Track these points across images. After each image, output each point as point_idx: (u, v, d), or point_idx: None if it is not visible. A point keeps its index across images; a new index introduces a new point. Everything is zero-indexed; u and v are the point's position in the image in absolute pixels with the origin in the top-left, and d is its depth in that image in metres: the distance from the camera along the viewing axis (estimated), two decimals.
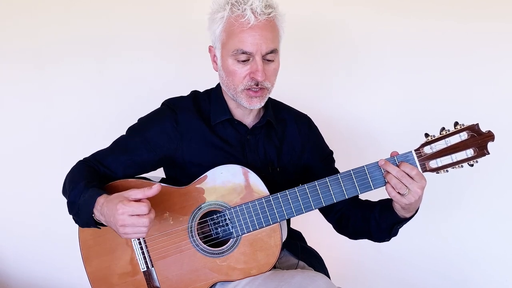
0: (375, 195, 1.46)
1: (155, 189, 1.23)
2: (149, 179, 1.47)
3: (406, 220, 1.41)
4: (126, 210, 1.20)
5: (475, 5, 2.17)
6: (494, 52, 2.20)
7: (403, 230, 1.47)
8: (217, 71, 1.46)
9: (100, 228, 1.34)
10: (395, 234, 1.46)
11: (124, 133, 1.50)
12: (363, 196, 1.44)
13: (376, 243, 1.54)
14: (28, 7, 2.14)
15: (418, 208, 1.39)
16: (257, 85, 1.37)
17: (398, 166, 1.30)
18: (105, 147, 1.50)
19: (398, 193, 1.30)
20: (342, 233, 1.59)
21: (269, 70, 1.38)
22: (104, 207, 1.25)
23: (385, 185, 1.33)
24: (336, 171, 1.57)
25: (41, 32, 2.16)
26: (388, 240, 1.49)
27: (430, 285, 2.37)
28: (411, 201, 1.30)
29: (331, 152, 1.63)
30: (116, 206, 1.20)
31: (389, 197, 1.35)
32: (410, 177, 1.29)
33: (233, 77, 1.39)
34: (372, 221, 1.45)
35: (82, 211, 1.31)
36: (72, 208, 1.34)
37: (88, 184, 1.33)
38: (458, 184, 2.25)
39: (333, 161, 1.63)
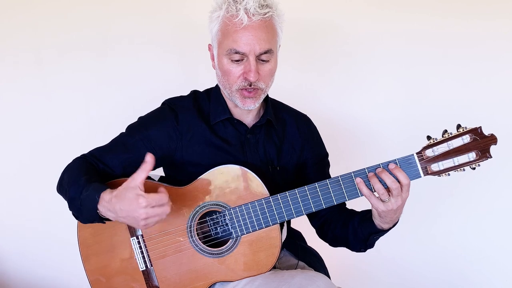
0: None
1: (150, 160, 1.22)
2: (148, 177, 1.46)
3: (383, 231, 1.41)
4: (149, 203, 1.19)
5: (481, 6, 2.15)
6: (500, 54, 2.18)
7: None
8: (215, 69, 1.46)
9: (105, 222, 1.32)
10: (371, 245, 1.46)
11: (124, 131, 1.49)
12: (362, 200, 1.43)
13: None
14: (29, 4, 2.13)
15: (397, 222, 1.39)
16: (250, 85, 1.36)
17: (392, 170, 1.28)
18: (104, 144, 1.49)
19: (379, 198, 1.30)
20: (324, 239, 1.60)
21: (264, 70, 1.37)
22: (114, 203, 1.22)
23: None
24: (327, 176, 1.57)
25: (40, 32, 2.15)
26: (363, 251, 1.50)
27: (430, 285, 2.37)
28: (388, 208, 1.30)
29: (327, 155, 1.63)
30: (135, 202, 1.19)
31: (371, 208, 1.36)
32: (401, 186, 1.28)
33: (228, 77, 1.38)
34: (350, 229, 1.46)
35: (84, 208, 1.29)
36: (73, 204, 1.32)
37: (89, 179, 1.31)
38: (458, 186, 2.25)
39: (327, 164, 1.62)
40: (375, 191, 1.30)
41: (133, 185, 1.21)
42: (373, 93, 2.26)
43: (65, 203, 1.37)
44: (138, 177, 1.21)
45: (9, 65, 2.16)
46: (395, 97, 2.25)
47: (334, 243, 1.57)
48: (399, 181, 1.28)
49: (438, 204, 2.32)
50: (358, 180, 1.30)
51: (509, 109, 2.20)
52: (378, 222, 1.38)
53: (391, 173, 1.28)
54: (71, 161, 1.46)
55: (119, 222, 1.26)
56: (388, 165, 1.29)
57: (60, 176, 1.43)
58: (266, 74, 1.38)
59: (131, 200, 1.20)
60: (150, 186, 1.41)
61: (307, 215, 1.55)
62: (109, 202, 1.24)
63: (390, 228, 1.40)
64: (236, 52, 1.34)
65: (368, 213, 1.43)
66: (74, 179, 1.34)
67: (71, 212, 1.36)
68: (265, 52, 1.35)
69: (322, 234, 1.59)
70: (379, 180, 1.29)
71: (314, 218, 1.59)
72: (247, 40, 1.32)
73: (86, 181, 1.30)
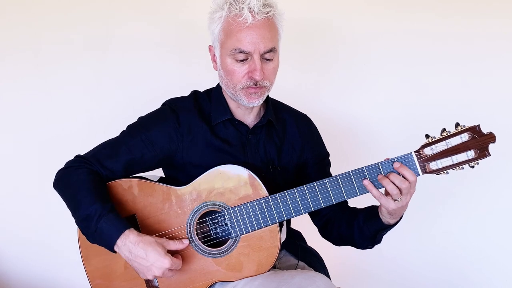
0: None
1: (186, 244, 1.36)
2: (147, 178, 1.46)
3: (390, 226, 1.41)
4: (171, 266, 1.29)
5: (481, 6, 2.15)
6: (497, 53, 2.18)
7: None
8: (217, 70, 1.46)
9: (115, 252, 1.32)
10: (378, 241, 1.47)
11: (125, 129, 1.48)
12: (361, 198, 1.43)
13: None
14: (29, 4, 2.14)
15: (402, 215, 1.39)
16: (255, 84, 1.37)
17: (397, 169, 1.29)
18: (105, 141, 1.47)
19: (390, 197, 1.30)
20: (327, 238, 1.60)
21: (268, 69, 1.38)
22: (140, 249, 1.28)
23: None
24: (329, 175, 1.56)
25: (40, 33, 2.15)
26: (371, 248, 1.50)
27: (430, 285, 2.36)
28: (399, 206, 1.30)
29: (327, 155, 1.62)
30: (161, 258, 1.28)
31: (373, 205, 1.36)
32: (409, 183, 1.28)
33: (232, 77, 1.38)
34: (356, 228, 1.46)
35: (100, 235, 1.30)
36: (84, 225, 1.32)
37: (106, 205, 1.31)
38: (458, 186, 2.25)
39: (328, 164, 1.62)
40: (387, 192, 1.31)
41: (166, 244, 1.32)
42: (373, 93, 2.26)
43: (64, 203, 1.37)
44: (173, 246, 1.33)
45: (9, 65, 2.16)
46: (395, 97, 2.25)
47: (339, 242, 1.57)
48: (406, 179, 1.28)
49: (438, 204, 2.32)
50: (366, 183, 1.31)
51: (509, 109, 2.20)
52: (387, 219, 1.38)
53: (397, 173, 1.29)
54: (73, 160, 1.44)
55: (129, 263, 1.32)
56: (393, 163, 1.30)
57: (61, 176, 1.42)
58: (271, 72, 1.39)
59: (158, 255, 1.28)
60: (149, 187, 1.42)
61: (309, 214, 1.55)
62: (134, 245, 1.28)
63: (397, 222, 1.41)
64: (241, 52, 1.34)
65: (372, 211, 1.43)
66: (84, 196, 1.33)
67: (73, 219, 1.36)
68: (269, 51, 1.35)
69: (326, 233, 1.58)
70: (391, 181, 1.29)
71: (316, 217, 1.58)
72: (252, 39, 1.33)
73: (103, 208, 1.30)
